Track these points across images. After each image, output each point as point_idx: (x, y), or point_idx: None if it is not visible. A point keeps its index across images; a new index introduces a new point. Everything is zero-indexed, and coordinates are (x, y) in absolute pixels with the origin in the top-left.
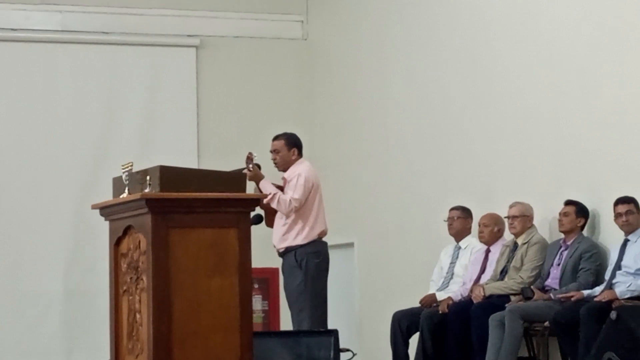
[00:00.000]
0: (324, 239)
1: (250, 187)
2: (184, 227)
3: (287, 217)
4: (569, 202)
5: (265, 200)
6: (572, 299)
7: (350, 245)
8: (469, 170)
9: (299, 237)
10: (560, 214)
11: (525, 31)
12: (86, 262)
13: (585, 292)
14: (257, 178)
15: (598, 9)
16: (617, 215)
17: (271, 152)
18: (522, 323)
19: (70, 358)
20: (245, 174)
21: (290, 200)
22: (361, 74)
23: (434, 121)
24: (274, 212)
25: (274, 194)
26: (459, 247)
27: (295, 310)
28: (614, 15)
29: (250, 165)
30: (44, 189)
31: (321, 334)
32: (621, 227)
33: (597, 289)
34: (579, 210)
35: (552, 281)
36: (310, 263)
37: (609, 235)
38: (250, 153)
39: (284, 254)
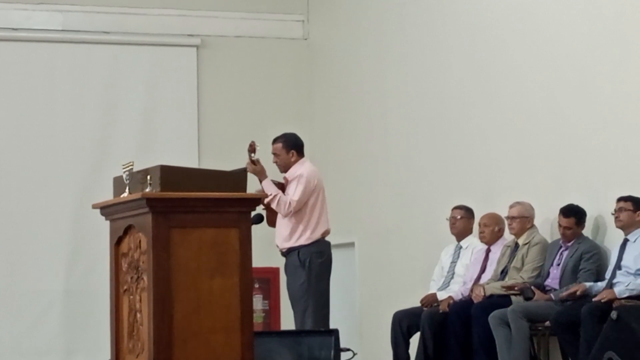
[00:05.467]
0: (326, 238)
1: (251, 187)
2: (185, 227)
3: (289, 219)
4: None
5: (266, 200)
6: (577, 293)
7: (351, 245)
8: (470, 169)
9: (303, 237)
10: (616, 210)
11: (525, 31)
12: (87, 261)
13: (588, 284)
14: (260, 175)
15: (598, 7)
16: (614, 212)
17: (272, 154)
18: (526, 321)
19: (70, 357)
20: (245, 174)
21: (289, 202)
22: (361, 73)
23: (435, 120)
24: (276, 212)
25: (275, 195)
26: (460, 247)
27: (299, 310)
28: (615, 13)
29: (253, 155)
30: (44, 189)
31: (322, 333)
32: (615, 223)
33: (599, 284)
34: (637, 205)
35: (552, 281)
36: (314, 263)
37: (611, 236)
38: (253, 142)
39: (287, 253)
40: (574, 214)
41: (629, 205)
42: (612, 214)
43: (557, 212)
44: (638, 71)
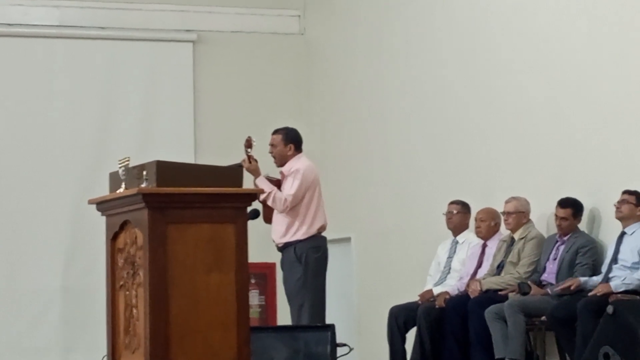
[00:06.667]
0: (323, 233)
1: (248, 182)
2: (181, 223)
3: (285, 215)
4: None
5: (261, 198)
6: (572, 287)
7: (347, 240)
8: (467, 165)
9: (299, 232)
10: (618, 201)
11: (524, 28)
12: (85, 259)
13: (582, 279)
14: (254, 173)
15: (598, 7)
16: (616, 203)
17: (269, 145)
18: (523, 316)
19: (69, 356)
20: (242, 169)
21: (285, 198)
22: (359, 68)
23: (433, 116)
24: (272, 208)
25: (270, 192)
26: (457, 242)
27: (295, 305)
28: (614, 10)
29: (249, 150)
30: (41, 186)
31: (318, 328)
32: (615, 213)
33: (595, 278)
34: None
35: (549, 276)
36: (310, 258)
37: (609, 231)
38: (249, 137)
39: (283, 249)
40: (571, 205)
41: (632, 199)
42: (615, 205)
43: (554, 208)
44: (638, 71)
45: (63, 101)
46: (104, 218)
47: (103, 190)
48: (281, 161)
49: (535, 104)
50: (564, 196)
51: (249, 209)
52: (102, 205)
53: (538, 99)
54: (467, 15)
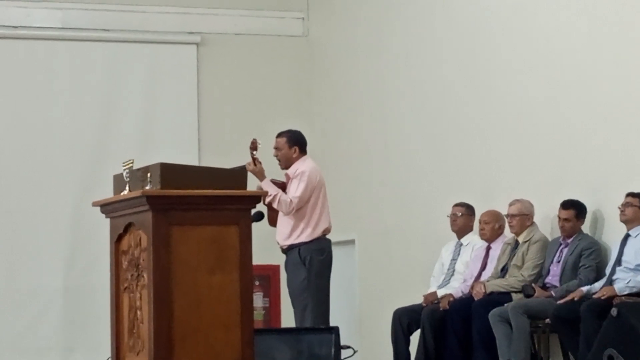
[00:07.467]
0: (327, 236)
1: (252, 184)
2: (185, 224)
3: (290, 217)
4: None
5: (266, 200)
6: (575, 299)
7: (351, 242)
8: (470, 167)
9: (303, 234)
10: (622, 204)
11: (524, 28)
12: (86, 259)
13: (585, 289)
14: (259, 175)
15: (598, 6)
16: (620, 206)
17: (274, 148)
18: (527, 318)
19: (70, 355)
20: (245, 171)
21: (290, 200)
22: (361, 70)
23: (435, 118)
24: (277, 211)
25: (275, 195)
26: (461, 244)
27: (299, 308)
28: (614, 10)
29: (254, 152)
30: (44, 186)
31: (322, 331)
32: (619, 216)
33: (597, 285)
34: None
35: (553, 278)
36: (314, 260)
37: (611, 233)
38: (254, 140)
39: (287, 251)
40: (573, 207)
41: (636, 201)
42: (619, 208)
43: (557, 210)
44: (638, 71)
45: (65, 103)
46: (104, 218)
47: (104, 191)
48: (286, 164)
49: (535, 104)
50: (564, 196)
51: (253, 211)
52: (106, 207)
53: (538, 99)
54: (467, 15)
